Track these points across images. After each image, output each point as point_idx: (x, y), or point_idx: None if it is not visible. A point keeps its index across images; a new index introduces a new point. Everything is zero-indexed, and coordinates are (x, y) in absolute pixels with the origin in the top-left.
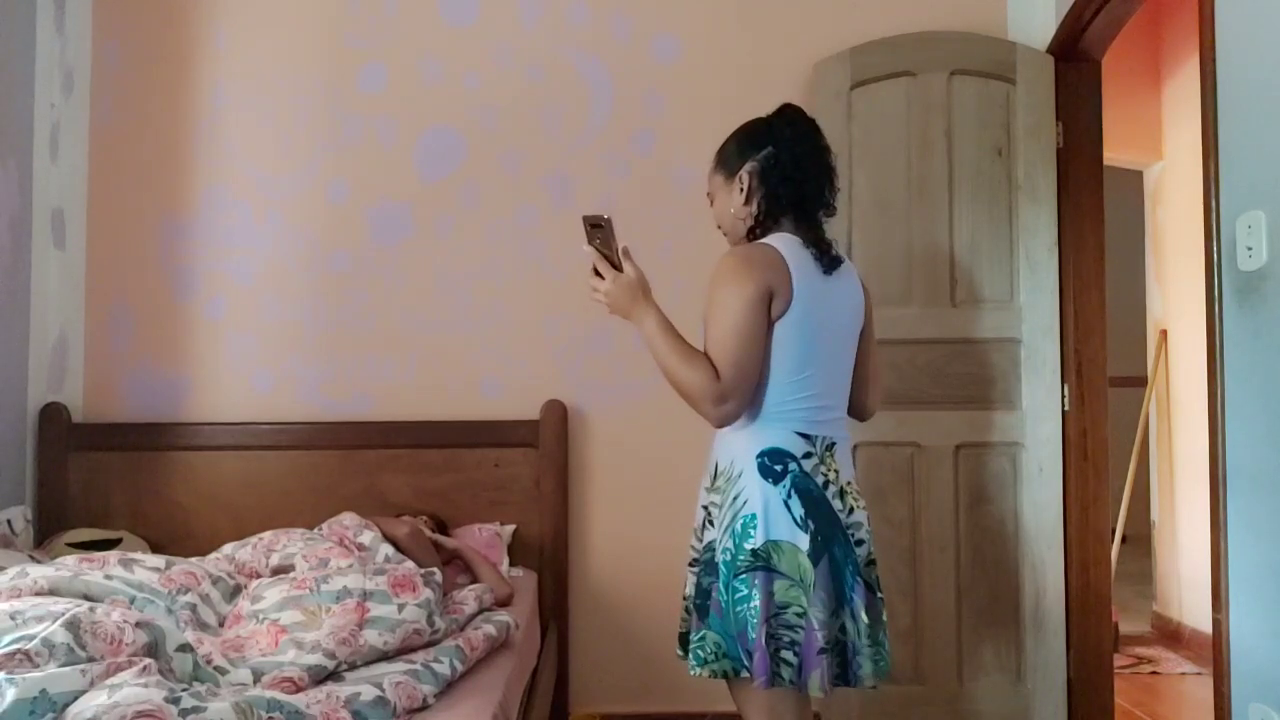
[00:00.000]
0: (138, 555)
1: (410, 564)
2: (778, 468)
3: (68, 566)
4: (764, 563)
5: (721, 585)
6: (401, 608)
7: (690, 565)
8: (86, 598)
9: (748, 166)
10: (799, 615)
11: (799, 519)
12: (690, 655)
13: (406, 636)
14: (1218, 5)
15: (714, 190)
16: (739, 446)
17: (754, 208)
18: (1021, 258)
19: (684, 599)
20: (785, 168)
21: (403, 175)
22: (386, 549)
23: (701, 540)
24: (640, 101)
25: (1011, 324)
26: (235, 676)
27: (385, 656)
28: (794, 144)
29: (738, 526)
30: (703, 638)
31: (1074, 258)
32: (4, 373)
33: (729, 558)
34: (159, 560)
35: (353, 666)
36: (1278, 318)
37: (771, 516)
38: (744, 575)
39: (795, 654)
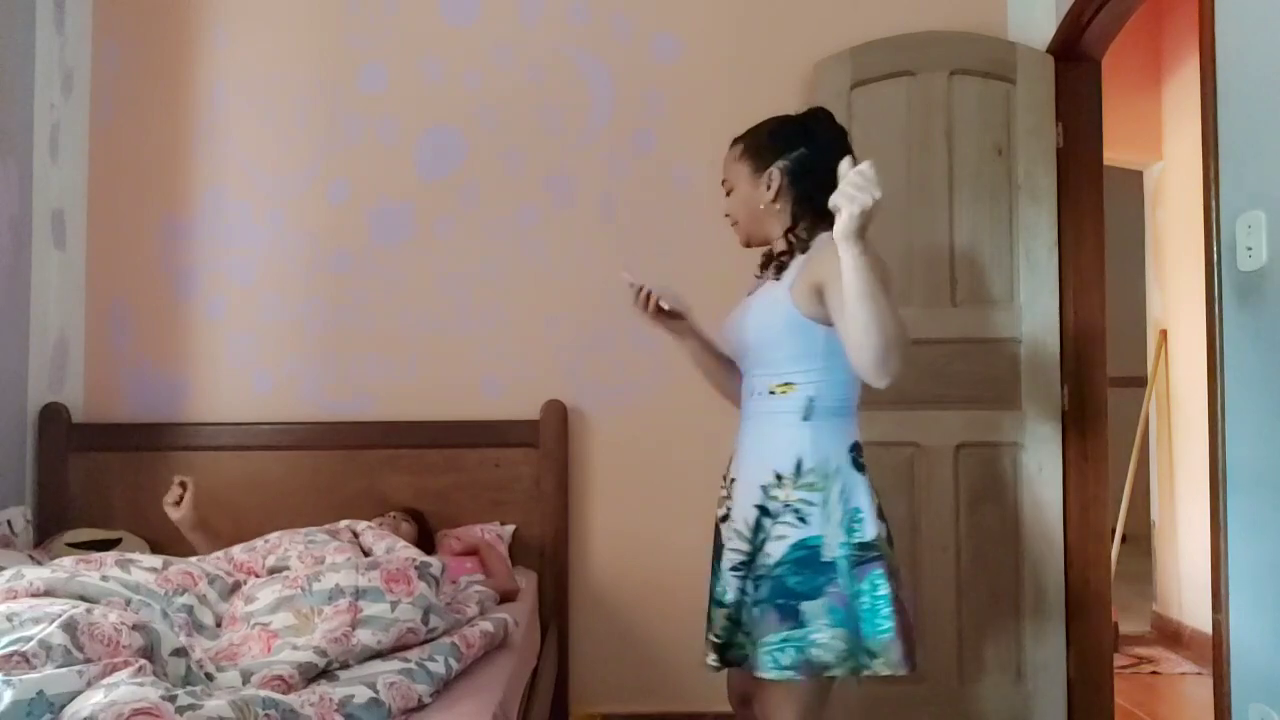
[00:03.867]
0: (135, 556)
1: (404, 555)
2: (862, 460)
3: (64, 568)
4: (878, 554)
5: (844, 580)
6: (395, 605)
7: (736, 569)
8: (83, 599)
9: (779, 164)
10: (906, 601)
11: (879, 509)
12: (769, 659)
13: (401, 635)
14: (1218, 5)
15: (734, 180)
16: (829, 441)
17: (786, 208)
18: (1021, 258)
19: (724, 605)
20: (820, 172)
21: (403, 175)
22: (390, 542)
23: (755, 541)
24: (640, 101)
25: (1011, 324)
26: (226, 680)
27: (379, 654)
28: (829, 149)
29: (848, 521)
30: (805, 639)
31: (1074, 258)
32: (4, 373)
33: (846, 552)
34: (156, 560)
35: (345, 665)
36: (1278, 318)
37: (871, 509)
38: (865, 567)
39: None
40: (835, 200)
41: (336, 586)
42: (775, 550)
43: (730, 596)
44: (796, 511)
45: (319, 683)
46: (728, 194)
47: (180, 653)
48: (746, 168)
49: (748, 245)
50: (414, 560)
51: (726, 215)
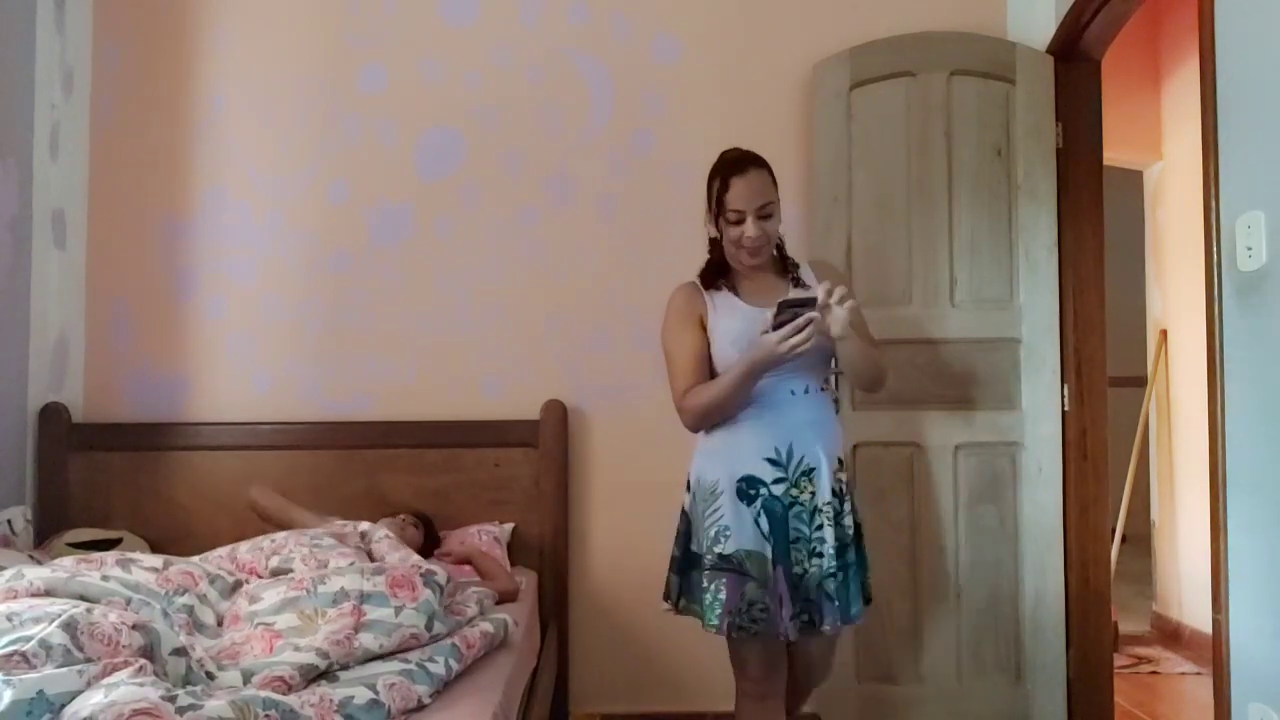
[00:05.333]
0: (136, 555)
1: (412, 561)
2: None
3: (64, 568)
4: None
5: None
6: (399, 610)
7: (810, 543)
8: (83, 599)
9: None
10: None
11: None
12: (863, 607)
13: (403, 640)
14: (1218, 5)
15: (775, 204)
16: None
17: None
18: (1021, 258)
19: (798, 580)
20: None
21: (403, 175)
22: (403, 554)
23: (841, 519)
24: (640, 101)
25: (1011, 324)
26: (226, 679)
27: (380, 657)
28: None
29: None
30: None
31: (1074, 258)
32: (4, 373)
33: None
34: (156, 560)
35: (345, 666)
36: (1278, 318)
37: None
38: None
39: None
40: (838, 330)
41: (342, 590)
42: (852, 521)
43: (810, 569)
44: (851, 490)
45: (319, 683)
46: (767, 218)
47: (180, 652)
48: (776, 193)
49: (755, 268)
50: (420, 567)
51: (754, 239)
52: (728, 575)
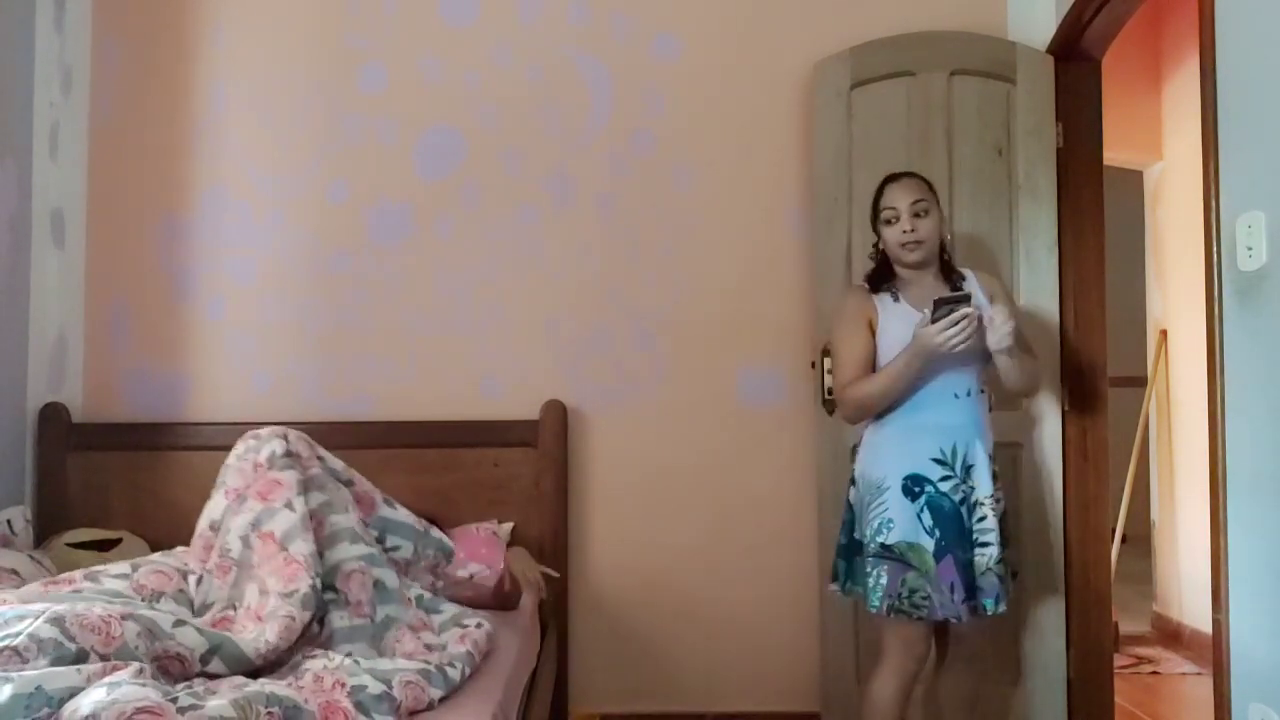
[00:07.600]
0: (102, 567)
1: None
2: None
3: (32, 591)
4: None
5: None
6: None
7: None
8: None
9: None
10: None
11: None
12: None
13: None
14: (1218, 5)
15: (932, 206)
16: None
17: (945, 239)
18: (1021, 258)
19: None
20: None
21: (403, 175)
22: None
23: (1000, 509)
24: (640, 101)
25: None
26: (263, 602)
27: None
28: None
29: None
30: None
31: (1074, 258)
32: (4, 373)
33: None
34: (124, 566)
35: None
36: (1278, 318)
37: None
38: None
39: None
40: (995, 343)
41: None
42: (1002, 509)
43: (976, 558)
44: (999, 479)
45: (336, 662)
46: (922, 215)
47: (181, 623)
48: (935, 200)
49: (918, 267)
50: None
51: (912, 231)
52: (889, 563)
